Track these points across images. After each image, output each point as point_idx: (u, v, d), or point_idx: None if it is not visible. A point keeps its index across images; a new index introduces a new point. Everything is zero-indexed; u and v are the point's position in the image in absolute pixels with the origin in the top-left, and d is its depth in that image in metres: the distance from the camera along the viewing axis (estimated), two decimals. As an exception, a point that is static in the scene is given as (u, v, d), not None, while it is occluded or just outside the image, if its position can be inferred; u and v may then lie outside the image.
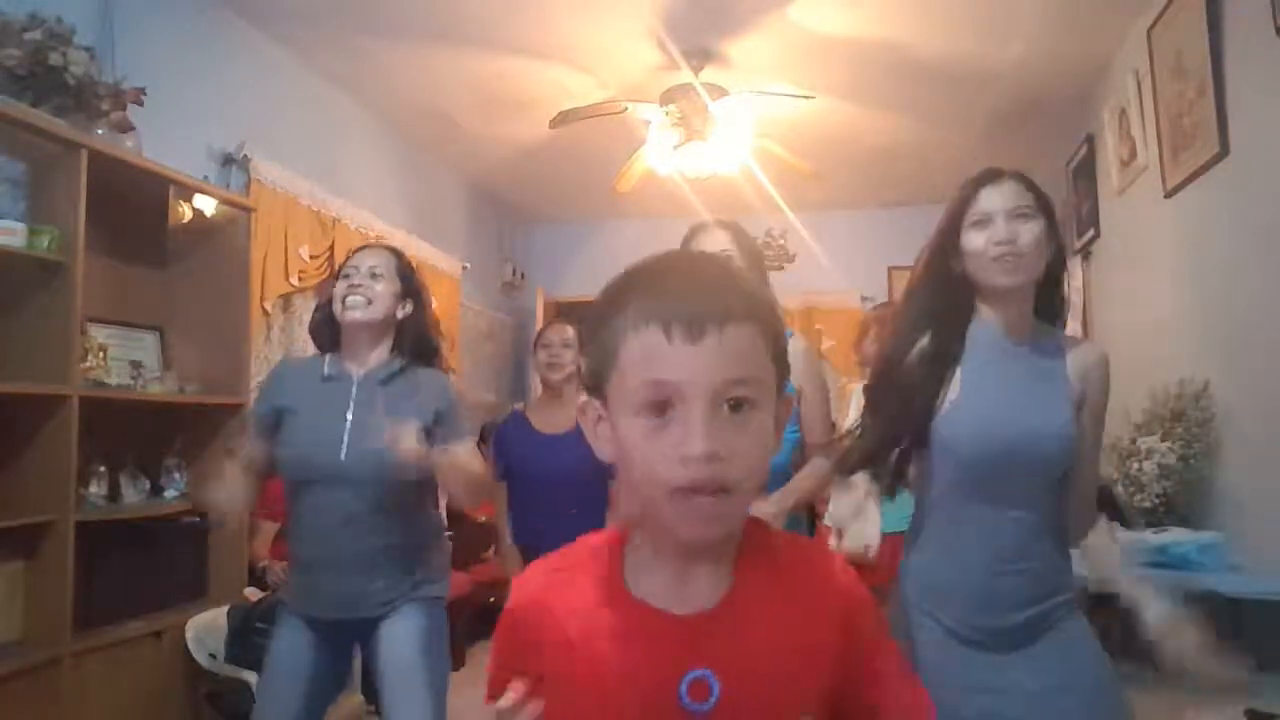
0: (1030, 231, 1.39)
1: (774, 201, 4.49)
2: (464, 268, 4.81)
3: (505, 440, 2.63)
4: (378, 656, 1.78)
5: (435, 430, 1.79)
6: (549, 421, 2.53)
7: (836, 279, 5.49)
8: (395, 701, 1.75)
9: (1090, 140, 3.72)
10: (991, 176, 1.44)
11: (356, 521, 1.76)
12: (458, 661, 3.87)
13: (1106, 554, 1.45)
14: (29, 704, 1.96)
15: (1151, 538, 2.30)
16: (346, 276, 1.85)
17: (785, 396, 0.72)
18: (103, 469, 2.37)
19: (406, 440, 1.64)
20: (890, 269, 5.36)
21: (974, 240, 1.41)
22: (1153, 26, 2.88)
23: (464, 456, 1.80)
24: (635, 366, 0.66)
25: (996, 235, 1.38)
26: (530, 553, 2.52)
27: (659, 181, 3.98)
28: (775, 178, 4.23)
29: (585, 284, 5.88)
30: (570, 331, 2.68)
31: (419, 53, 3.45)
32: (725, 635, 0.69)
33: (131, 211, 2.50)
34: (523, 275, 5.90)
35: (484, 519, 4.00)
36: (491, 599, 3.88)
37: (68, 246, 2.10)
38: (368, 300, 1.81)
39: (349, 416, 1.78)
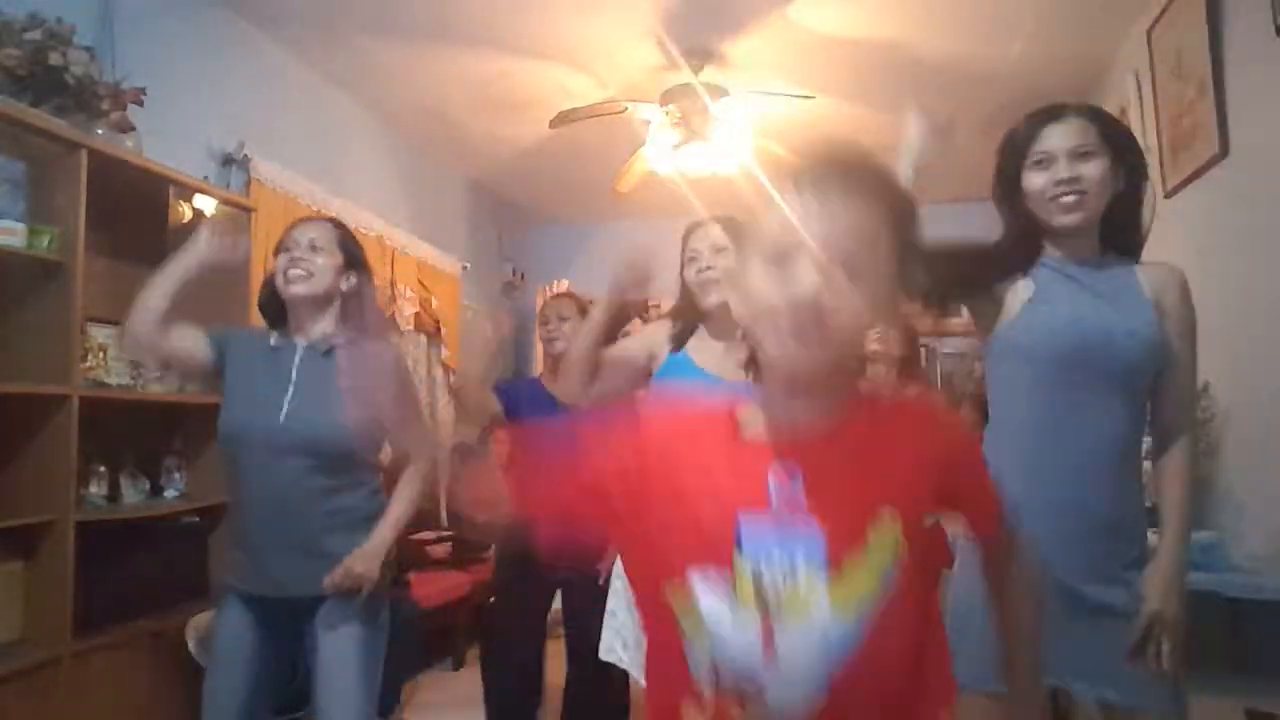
0: (1094, 170, 1.36)
1: (774, 201, 4.48)
2: (464, 268, 4.81)
3: (517, 398, 2.66)
4: (311, 659, 1.75)
5: (376, 408, 1.79)
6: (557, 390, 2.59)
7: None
8: (324, 708, 1.73)
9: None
10: (1055, 113, 1.42)
11: (294, 494, 1.73)
12: (457, 661, 3.87)
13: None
14: (29, 704, 1.96)
15: (1151, 538, 2.29)
16: (287, 250, 1.81)
17: (902, 287, 0.81)
18: (103, 469, 2.37)
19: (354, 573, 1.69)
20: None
21: (1035, 180, 1.40)
22: (1153, 27, 2.88)
23: (405, 495, 1.84)
24: (770, 220, 0.81)
25: (1058, 175, 1.37)
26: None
27: (659, 181, 3.97)
28: (775, 178, 4.23)
29: (585, 284, 5.87)
30: (566, 303, 2.74)
31: (419, 53, 3.45)
32: (815, 445, 0.79)
33: (131, 211, 2.50)
34: (523, 275, 5.90)
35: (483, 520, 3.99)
36: (491, 599, 3.89)
37: (68, 246, 2.10)
38: (308, 273, 1.79)
39: (291, 385, 1.76)
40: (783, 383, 0.81)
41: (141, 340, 1.79)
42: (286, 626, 1.79)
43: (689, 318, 1.90)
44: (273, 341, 1.84)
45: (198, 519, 2.58)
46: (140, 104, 2.38)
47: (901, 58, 3.41)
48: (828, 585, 0.73)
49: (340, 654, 1.73)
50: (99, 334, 2.43)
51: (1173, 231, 2.88)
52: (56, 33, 2.13)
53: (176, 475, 2.58)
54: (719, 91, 3.44)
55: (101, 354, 2.39)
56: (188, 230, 2.70)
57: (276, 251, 1.85)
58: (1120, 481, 1.37)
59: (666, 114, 3.51)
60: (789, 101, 3.53)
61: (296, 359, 1.80)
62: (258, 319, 3.02)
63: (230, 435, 1.78)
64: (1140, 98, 3.04)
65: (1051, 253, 1.44)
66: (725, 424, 0.84)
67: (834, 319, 0.74)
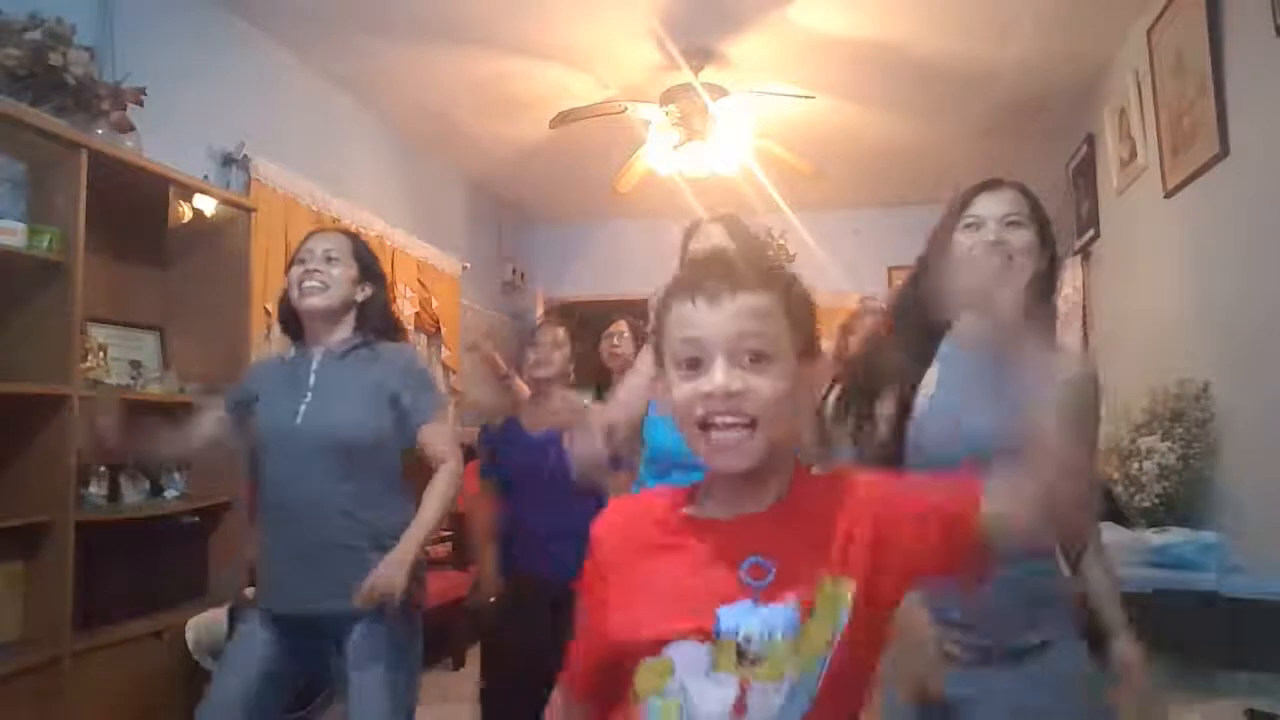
0: (1021, 237, 1.39)
1: (774, 201, 4.49)
2: (464, 268, 4.81)
3: (493, 440, 2.64)
4: (344, 682, 1.71)
5: (397, 403, 1.76)
6: (536, 420, 2.53)
7: (836, 279, 5.49)
8: None
9: (1090, 140, 3.72)
10: (990, 185, 1.44)
11: (317, 502, 1.70)
12: (457, 661, 3.87)
13: (1099, 583, 1.42)
14: (29, 704, 1.96)
15: (1152, 538, 2.30)
16: (302, 262, 1.80)
17: (820, 357, 0.88)
18: (103, 469, 2.37)
19: (382, 583, 1.63)
20: (890, 269, 5.37)
21: (963, 241, 1.41)
22: (1153, 26, 2.88)
23: (434, 447, 1.78)
24: (674, 330, 0.85)
25: (987, 236, 1.38)
26: (519, 551, 2.52)
27: (659, 181, 3.98)
28: (775, 178, 4.23)
29: (585, 284, 5.89)
30: (562, 333, 2.66)
31: (419, 53, 3.45)
32: (773, 528, 0.84)
33: (131, 211, 2.50)
34: (523, 275, 5.90)
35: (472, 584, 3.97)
36: (491, 599, 3.88)
37: (68, 246, 2.10)
38: (324, 285, 1.78)
39: (309, 390, 1.76)
40: (726, 476, 0.85)
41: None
42: (306, 646, 1.75)
43: None
44: (290, 355, 1.86)
45: (198, 519, 2.58)
46: (140, 104, 2.38)
47: (901, 58, 3.41)
48: (795, 642, 0.80)
49: (371, 690, 1.69)
50: (99, 334, 2.43)
51: (1173, 231, 2.88)
52: (56, 33, 2.13)
53: (176, 475, 2.58)
54: (719, 91, 3.44)
55: (101, 354, 2.39)
56: (188, 230, 2.72)
57: (290, 264, 1.86)
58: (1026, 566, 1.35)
59: (666, 114, 3.51)
60: (789, 101, 3.53)
61: (314, 365, 1.79)
62: (258, 319, 3.05)
63: (256, 447, 1.79)
64: (1140, 98, 3.04)
65: (971, 330, 1.41)
66: (676, 509, 0.89)
67: (761, 413, 0.80)
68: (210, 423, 1.88)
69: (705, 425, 0.81)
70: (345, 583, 1.64)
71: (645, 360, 1.81)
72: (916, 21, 3.15)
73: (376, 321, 1.86)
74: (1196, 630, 2.10)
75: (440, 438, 1.81)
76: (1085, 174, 3.78)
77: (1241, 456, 2.40)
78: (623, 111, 3.52)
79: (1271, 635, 2.04)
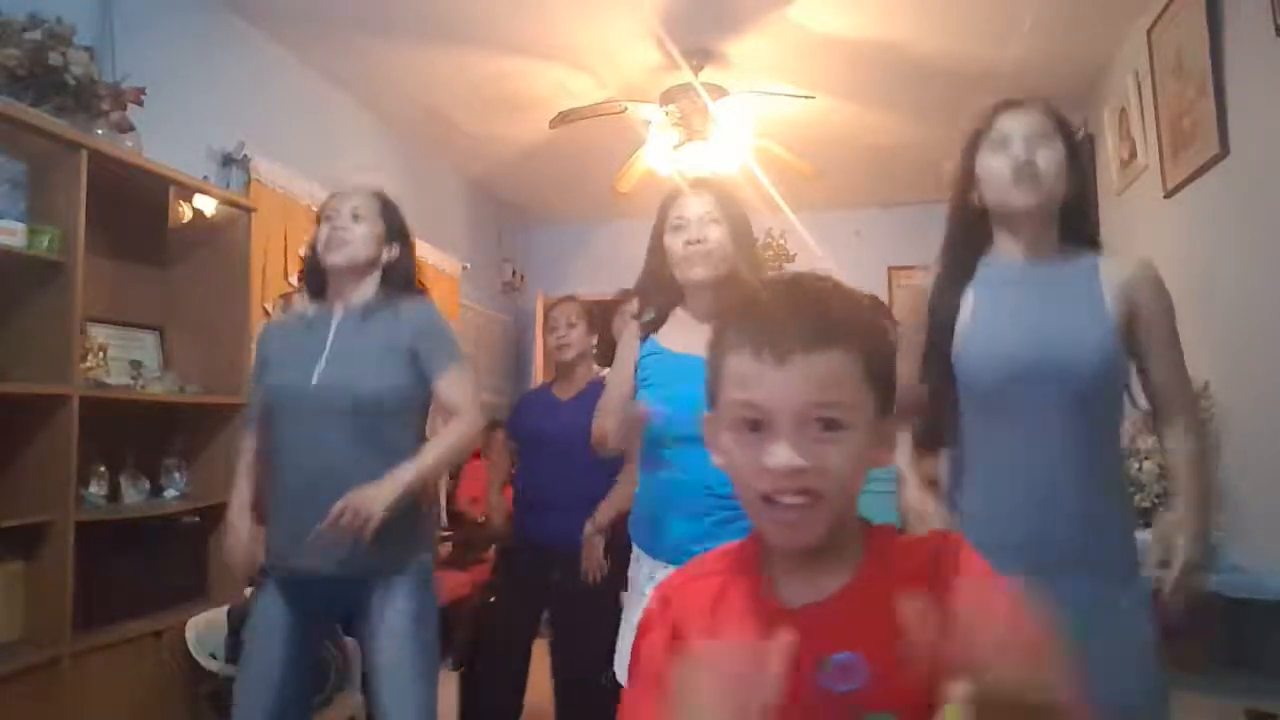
0: (1050, 153, 1.33)
1: (774, 201, 4.49)
2: (464, 268, 4.81)
3: (526, 405, 2.77)
4: (367, 642, 1.70)
5: (416, 359, 1.73)
6: (565, 390, 2.64)
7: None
8: (386, 702, 1.66)
9: (1090, 140, 3.72)
10: (1011, 103, 1.40)
11: (335, 461, 1.64)
12: (457, 661, 3.86)
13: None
14: (29, 704, 1.96)
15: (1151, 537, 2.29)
16: (328, 219, 1.78)
17: (887, 420, 0.73)
18: (103, 469, 2.37)
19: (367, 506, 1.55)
20: (890, 269, 5.37)
21: (991, 162, 1.36)
22: (1153, 26, 2.88)
23: (445, 390, 1.72)
24: (731, 386, 0.71)
25: (1014, 154, 1.33)
26: (538, 505, 2.53)
27: (659, 181, 3.97)
28: (775, 178, 4.23)
29: (585, 284, 5.87)
30: (574, 309, 2.70)
31: (419, 53, 3.45)
32: (851, 620, 0.70)
33: (131, 211, 2.50)
34: (522, 275, 5.90)
35: (482, 518, 4.00)
36: (491, 599, 3.89)
37: (68, 246, 2.10)
38: (347, 242, 1.75)
39: (327, 347, 1.72)
40: (787, 555, 0.75)
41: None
42: (325, 613, 1.73)
43: (663, 295, 1.69)
44: (310, 313, 1.81)
45: (198, 519, 2.58)
46: (140, 104, 2.37)
47: (901, 58, 3.41)
48: None
49: (396, 650, 1.66)
50: (99, 334, 2.43)
51: (1173, 231, 2.88)
52: (56, 33, 2.13)
53: (176, 475, 2.58)
54: (719, 91, 3.44)
55: (101, 354, 2.39)
56: (188, 230, 2.72)
57: (318, 220, 1.82)
58: (1091, 503, 1.29)
59: (666, 114, 3.51)
60: (789, 101, 3.53)
61: (334, 324, 1.76)
62: (258, 319, 3.05)
63: (265, 403, 1.74)
64: (1140, 98, 3.04)
65: (1007, 249, 1.38)
66: (748, 596, 0.75)
67: (829, 489, 0.68)
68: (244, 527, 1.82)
69: (768, 499, 0.69)
70: (358, 548, 1.58)
71: (627, 349, 1.74)
72: (916, 21, 3.15)
73: (400, 282, 1.82)
74: (1197, 630, 2.10)
75: (458, 389, 1.74)
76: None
77: (1241, 456, 2.40)
78: (623, 111, 3.52)
79: (1271, 635, 2.04)
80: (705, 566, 0.82)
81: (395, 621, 1.68)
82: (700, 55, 3.39)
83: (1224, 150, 2.43)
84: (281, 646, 1.69)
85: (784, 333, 0.69)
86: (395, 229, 1.84)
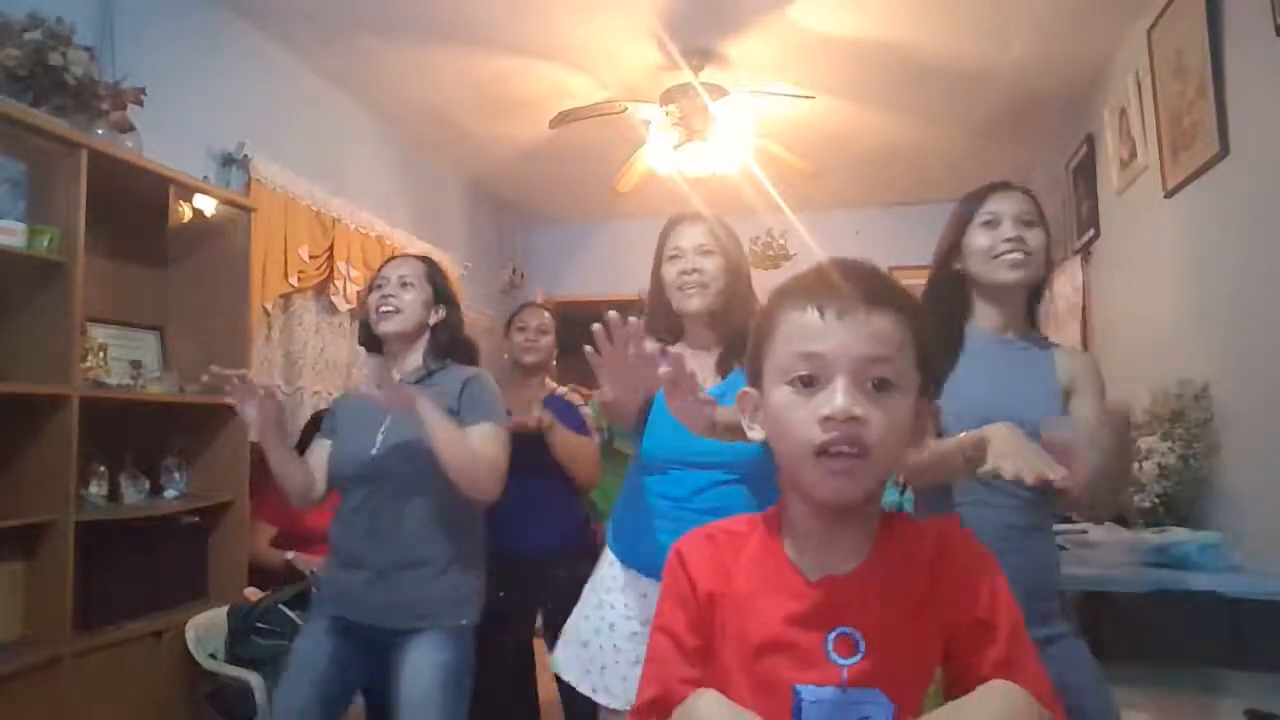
0: (1036, 237, 1.46)
1: (774, 201, 4.49)
2: (464, 268, 4.81)
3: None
4: (396, 689, 1.76)
5: (456, 420, 1.83)
6: (521, 399, 2.50)
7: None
8: None
9: (1090, 140, 3.72)
10: (1000, 185, 1.51)
11: (388, 524, 1.79)
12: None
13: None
14: (29, 704, 1.96)
15: (1151, 538, 2.30)
16: (379, 287, 1.94)
17: (931, 405, 0.80)
18: (103, 469, 2.37)
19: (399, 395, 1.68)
20: (890, 269, 5.35)
21: (980, 239, 1.48)
22: (1153, 27, 2.88)
23: (474, 435, 1.77)
24: (790, 341, 0.76)
25: (1005, 234, 1.45)
26: (507, 516, 2.49)
27: (659, 181, 3.98)
28: (775, 178, 4.23)
29: (585, 284, 5.89)
30: (547, 317, 2.70)
31: (419, 53, 3.45)
32: (863, 597, 0.76)
33: (131, 211, 2.50)
34: (523, 275, 5.90)
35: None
36: (501, 592, 3.88)
37: (68, 246, 2.10)
38: (398, 309, 1.90)
39: (387, 416, 1.83)
40: (819, 512, 0.78)
41: (315, 500, 1.93)
42: (365, 655, 1.83)
43: (665, 323, 1.74)
44: (364, 387, 1.88)
45: (198, 519, 2.58)
46: (140, 104, 2.37)
47: (901, 58, 3.41)
48: None
49: (422, 693, 1.73)
50: (99, 334, 2.43)
51: (1173, 231, 2.88)
52: (56, 33, 2.13)
53: (176, 475, 2.58)
54: (719, 91, 3.44)
55: (101, 354, 2.39)
56: (188, 230, 2.72)
57: (369, 289, 1.98)
58: (1037, 549, 1.41)
59: (666, 114, 3.51)
60: (789, 101, 3.53)
61: None
62: (258, 319, 3.05)
63: (333, 475, 1.89)
64: (1140, 98, 3.04)
65: (984, 313, 1.51)
66: (771, 557, 0.81)
67: (877, 445, 0.72)
68: (319, 452, 1.94)
69: (820, 452, 0.73)
70: (401, 601, 1.76)
71: None
72: (916, 21, 3.15)
73: (447, 343, 1.96)
74: (1196, 630, 2.11)
75: (487, 439, 1.79)
76: (1085, 174, 3.78)
77: (1241, 456, 2.40)
78: (623, 111, 3.52)
79: (1271, 635, 2.04)
80: (731, 526, 0.87)
81: (426, 674, 1.75)
82: (700, 55, 3.39)
83: (1224, 150, 2.43)
84: (320, 670, 1.80)
85: (846, 292, 0.75)
86: (441, 292, 1.98)
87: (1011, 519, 1.39)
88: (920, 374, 0.77)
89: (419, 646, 1.76)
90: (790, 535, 0.82)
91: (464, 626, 1.82)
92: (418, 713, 1.72)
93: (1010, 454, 1.06)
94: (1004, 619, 0.77)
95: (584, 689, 1.69)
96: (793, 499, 0.81)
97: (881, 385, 0.74)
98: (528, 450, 2.35)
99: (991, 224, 1.47)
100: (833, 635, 0.75)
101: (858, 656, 0.74)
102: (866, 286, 0.76)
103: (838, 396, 0.72)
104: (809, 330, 0.75)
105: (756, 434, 0.81)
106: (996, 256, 1.45)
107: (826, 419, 0.72)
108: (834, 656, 0.74)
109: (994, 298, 1.50)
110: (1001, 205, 1.48)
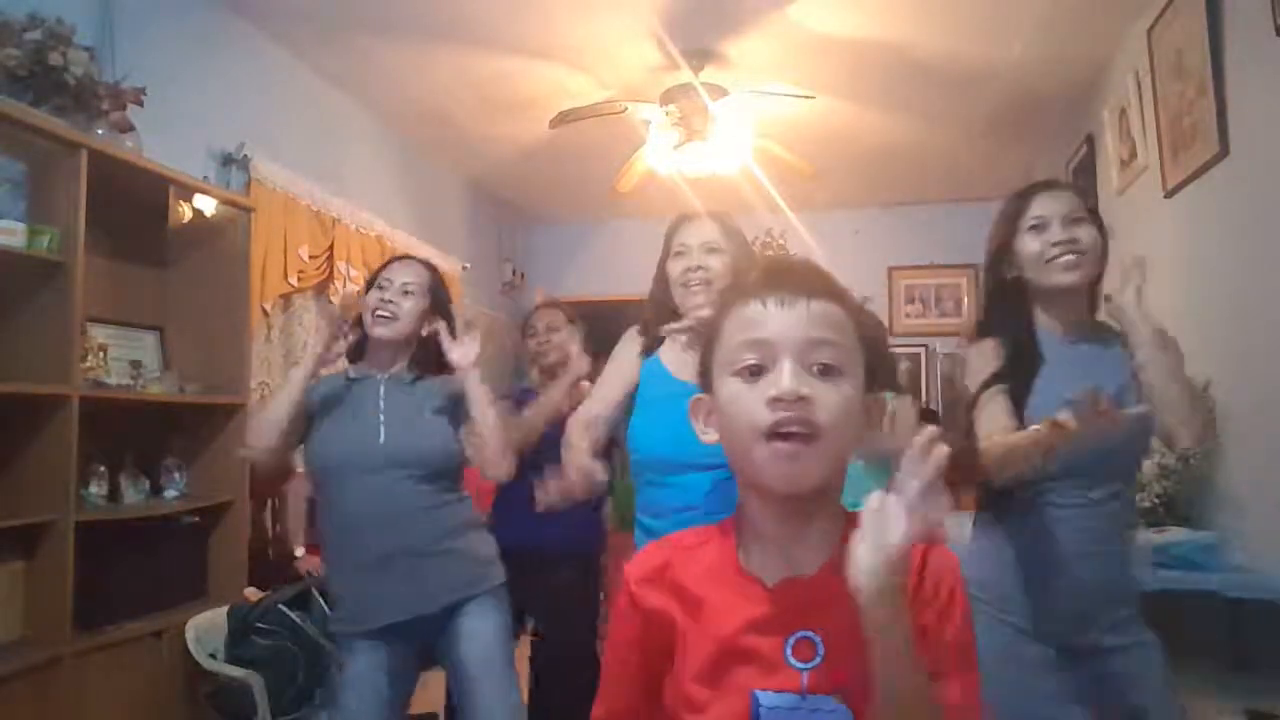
0: (1088, 233, 1.42)
1: (774, 201, 4.49)
2: (464, 268, 4.81)
3: (519, 401, 2.68)
4: (456, 653, 1.80)
5: (456, 415, 1.88)
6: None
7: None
8: (483, 691, 1.77)
9: (1090, 140, 3.72)
10: (1042, 185, 1.48)
11: (404, 508, 1.79)
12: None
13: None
14: (29, 704, 1.96)
15: (1152, 537, 2.30)
16: (380, 289, 1.90)
17: (878, 397, 0.80)
18: (103, 469, 2.37)
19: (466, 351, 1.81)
20: (890, 269, 5.37)
21: (1030, 244, 1.44)
22: (1153, 27, 2.88)
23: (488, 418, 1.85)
24: (737, 332, 0.78)
25: (1055, 236, 1.41)
26: (519, 508, 2.50)
27: (659, 181, 3.98)
28: (775, 178, 4.23)
29: (585, 284, 5.89)
30: (555, 314, 2.69)
31: (419, 53, 3.45)
32: (824, 600, 0.75)
33: (131, 211, 2.50)
34: (523, 275, 5.90)
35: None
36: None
37: (68, 246, 2.10)
38: (394, 316, 1.88)
39: (382, 408, 1.84)
40: (776, 507, 0.78)
41: (268, 456, 1.86)
42: (415, 652, 1.85)
43: (666, 320, 1.70)
44: (350, 374, 1.92)
45: (198, 519, 2.58)
46: (140, 104, 2.37)
47: (901, 58, 3.41)
48: None
49: (485, 655, 1.78)
50: (99, 334, 2.43)
51: (1173, 231, 2.88)
52: (56, 33, 2.13)
53: (176, 475, 2.58)
54: (719, 91, 3.44)
55: (101, 354, 2.39)
56: (188, 230, 2.72)
57: (369, 286, 1.95)
58: (1118, 553, 1.41)
59: (666, 114, 3.51)
60: (789, 101, 3.53)
61: (381, 389, 1.88)
62: (258, 319, 3.05)
63: (328, 467, 1.84)
64: (1140, 98, 3.04)
65: (1045, 324, 1.47)
66: (726, 565, 0.81)
67: (828, 426, 0.73)
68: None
69: (770, 435, 0.73)
70: (437, 584, 1.78)
71: (623, 364, 1.75)
72: (916, 21, 3.15)
73: (436, 359, 1.93)
74: (1196, 630, 2.11)
75: (499, 420, 1.89)
76: (1085, 174, 3.78)
77: (1241, 456, 2.40)
78: (623, 111, 3.52)
79: (1271, 635, 2.04)
80: (682, 539, 0.87)
81: (482, 639, 1.79)
82: (700, 55, 3.39)
83: (1224, 150, 2.43)
84: (378, 680, 1.80)
85: (788, 282, 0.78)
86: (439, 305, 1.97)
87: (1085, 523, 1.37)
88: (866, 361, 0.78)
89: (473, 613, 1.80)
90: (750, 539, 0.81)
91: (500, 586, 1.87)
92: (488, 670, 1.77)
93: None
94: (955, 624, 0.76)
95: None
96: (750, 498, 0.80)
97: (826, 371, 0.74)
98: (542, 451, 2.36)
99: (1039, 228, 1.43)
100: (792, 640, 0.75)
101: (816, 660, 0.74)
102: (806, 277, 0.79)
103: (784, 378, 0.73)
104: (753, 320, 0.77)
105: (710, 437, 0.81)
106: (1049, 260, 1.42)
107: (774, 400, 0.73)
108: (793, 661, 0.74)
109: (1053, 300, 1.46)
110: (1047, 206, 1.44)
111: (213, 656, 2.36)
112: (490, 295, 5.48)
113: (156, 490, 2.55)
